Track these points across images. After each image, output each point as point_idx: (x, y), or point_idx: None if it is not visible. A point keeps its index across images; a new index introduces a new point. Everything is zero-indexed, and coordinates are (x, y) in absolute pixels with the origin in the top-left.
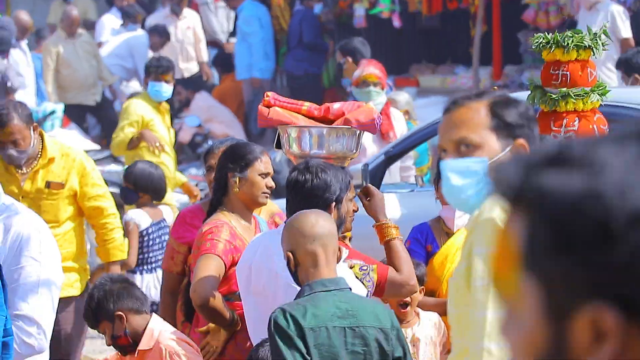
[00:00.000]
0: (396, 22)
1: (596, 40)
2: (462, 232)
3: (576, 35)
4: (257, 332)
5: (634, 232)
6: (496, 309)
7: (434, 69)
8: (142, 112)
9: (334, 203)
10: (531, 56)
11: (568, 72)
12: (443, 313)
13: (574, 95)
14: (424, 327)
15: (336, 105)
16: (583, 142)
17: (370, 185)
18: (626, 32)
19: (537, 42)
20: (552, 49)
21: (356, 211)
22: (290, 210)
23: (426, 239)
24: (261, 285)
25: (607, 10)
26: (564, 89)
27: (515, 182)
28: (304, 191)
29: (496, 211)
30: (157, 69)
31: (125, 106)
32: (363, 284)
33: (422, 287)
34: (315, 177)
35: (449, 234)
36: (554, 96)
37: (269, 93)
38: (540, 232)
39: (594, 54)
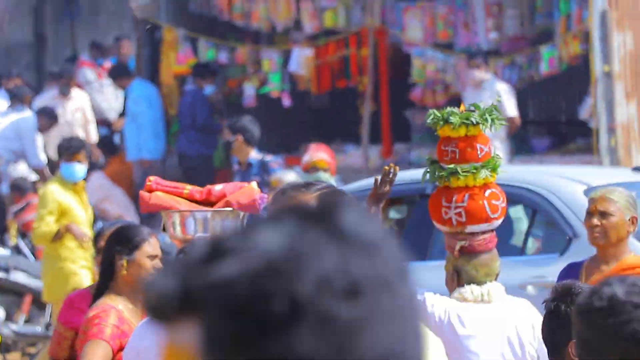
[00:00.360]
0: (286, 101)
1: (485, 116)
2: None
3: (465, 112)
4: None
5: (322, 297)
6: None
7: None
8: (59, 198)
9: None
10: (418, 134)
11: (457, 149)
12: None
13: (462, 171)
14: None
15: (218, 187)
16: (237, 230)
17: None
18: (512, 110)
19: (431, 118)
20: (441, 125)
21: None
22: None
23: None
24: None
25: (493, 88)
26: (453, 165)
27: (176, 290)
28: None
29: None
30: (68, 150)
31: (42, 194)
32: None
33: None
34: None
35: None
36: (443, 172)
37: (151, 178)
38: (223, 328)
39: (487, 129)
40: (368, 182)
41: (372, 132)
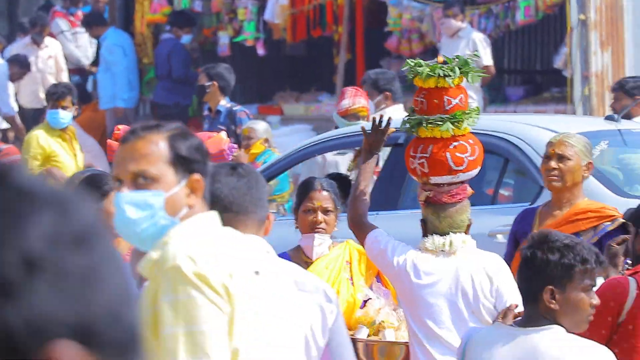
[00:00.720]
0: (260, 50)
1: (454, 69)
2: (323, 260)
3: (438, 63)
4: None
5: (54, 251)
6: (187, 357)
7: (297, 97)
8: (43, 144)
9: None
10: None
11: (425, 100)
12: None
13: (427, 122)
14: None
15: None
16: None
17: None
18: (487, 59)
19: (406, 68)
20: (412, 76)
21: None
22: None
23: None
24: None
25: (469, 37)
26: (419, 116)
27: None
28: None
29: (181, 258)
30: (53, 96)
31: (26, 139)
32: None
33: None
34: None
35: (308, 262)
36: (411, 122)
37: (120, 126)
38: None
39: (468, 81)
40: (339, 131)
41: (347, 81)
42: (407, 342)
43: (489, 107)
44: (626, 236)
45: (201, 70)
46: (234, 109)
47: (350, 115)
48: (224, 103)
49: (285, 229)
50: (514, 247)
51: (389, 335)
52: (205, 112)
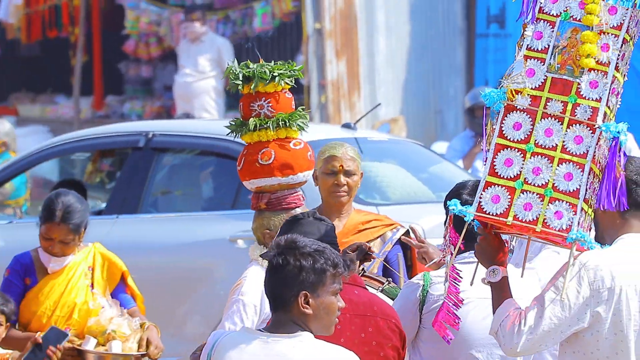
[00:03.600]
0: None
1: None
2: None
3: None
4: None
5: None
6: None
7: (33, 98)
8: None
9: None
10: (132, 87)
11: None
12: (20, 349)
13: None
14: None
15: None
16: None
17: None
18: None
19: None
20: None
21: None
22: None
23: (25, 271)
24: None
25: (214, 42)
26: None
27: None
28: None
29: None
30: None
31: None
32: None
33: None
34: None
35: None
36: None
37: None
38: None
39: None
40: (78, 134)
41: (83, 83)
42: (133, 354)
43: (228, 113)
44: (362, 244)
45: None
46: None
47: None
48: None
49: (23, 231)
50: None
51: (116, 347)
52: None
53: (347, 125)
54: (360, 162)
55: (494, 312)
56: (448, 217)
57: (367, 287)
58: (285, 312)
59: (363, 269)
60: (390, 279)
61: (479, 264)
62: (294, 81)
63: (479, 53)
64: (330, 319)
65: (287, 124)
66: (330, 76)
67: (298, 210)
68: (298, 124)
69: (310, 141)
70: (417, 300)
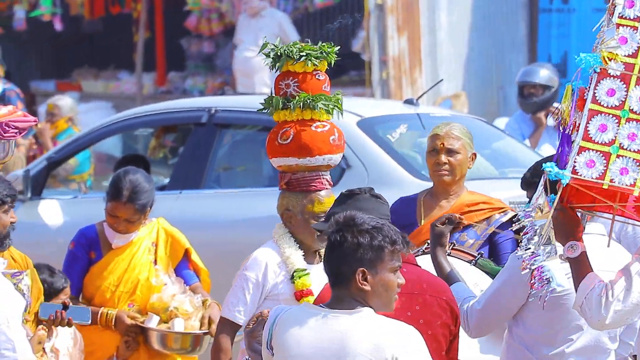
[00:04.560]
0: (57, 26)
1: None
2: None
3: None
4: None
5: None
6: None
7: (96, 74)
8: None
9: None
10: (193, 62)
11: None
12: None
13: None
14: (62, 338)
15: None
16: None
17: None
18: (295, 36)
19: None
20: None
21: None
22: None
23: (90, 245)
24: None
25: (274, 17)
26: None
27: None
28: None
29: None
30: None
31: None
32: None
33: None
34: None
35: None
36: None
37: None
38: None
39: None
40: (141, 109)
41: (146, 59)
42: (195, 332)
43: None
44: (451, 215)
45: None
46: (5, 87)
47: None
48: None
49: (87, 207)
50: None
51: (178, 326)
52: None
53: (409, 101)
54: (469, 141)
55: (576, 288)
56: (543, 181)
57: (460, 260)
58: (344, 288)
59: (453, 242)
60: (482, 252)
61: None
62: (327, 63)
63: (542, 28)
64: (390, 296)
65: (311, 105)
66: (391, 52)
67: (321, 194)
68: (324, 107)
69: (371, 117)
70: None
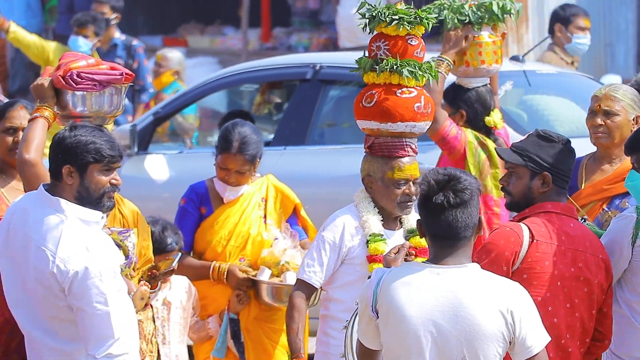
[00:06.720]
0: None
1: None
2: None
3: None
4: (9, 294)
5: None
6: None
7: (202, 30)
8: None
9: None
10: (298, 19)
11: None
12: (196, 278)
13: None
14: (175, 291)
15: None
16: None
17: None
18: None
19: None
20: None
21: None
22: None
23: (201, 201)
24: (16, 248)
25: None
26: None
27: None
28: None
29: None
30: (75, 23)
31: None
32: None
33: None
34: None
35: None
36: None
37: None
38: None
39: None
40: (246, 65)
41: (251, 15)
42: None
43: None
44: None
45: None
46: (133, 43)
47: None
48: (118, 35)
49: (193, 162)
50: None
51: (290, 278)
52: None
53: (515, 58)
54: (632, 103)
55: None
56: None
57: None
58: (450, 246)
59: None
60: (586, 217)
61: None
62: (421, 29)
63: None
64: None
65: (398, 71)
66: None
67: (403, 160)
68: (409, 73)
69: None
70: (630, 234)
